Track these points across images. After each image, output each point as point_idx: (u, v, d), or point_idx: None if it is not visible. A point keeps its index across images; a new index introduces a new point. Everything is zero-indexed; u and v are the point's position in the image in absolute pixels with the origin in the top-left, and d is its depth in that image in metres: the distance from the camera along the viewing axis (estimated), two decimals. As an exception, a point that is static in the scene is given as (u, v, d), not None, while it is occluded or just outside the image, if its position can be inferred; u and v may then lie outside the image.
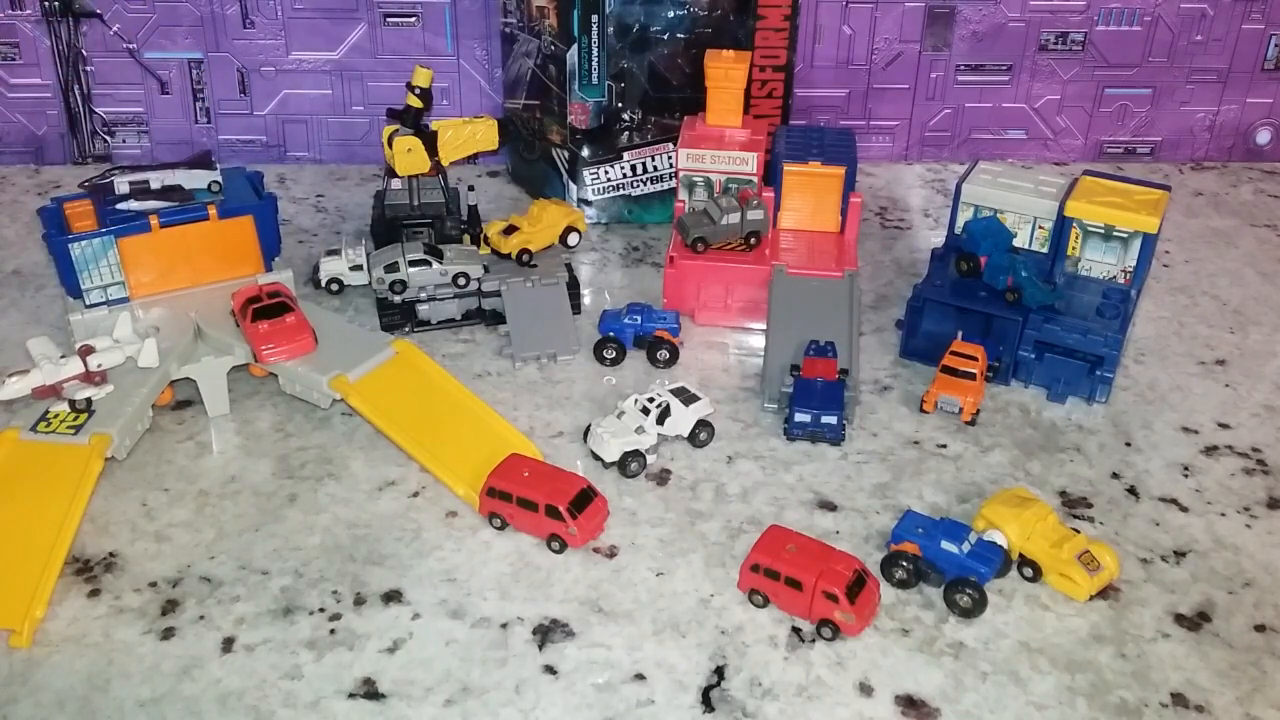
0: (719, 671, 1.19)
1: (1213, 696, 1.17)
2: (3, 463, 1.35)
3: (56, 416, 1.40)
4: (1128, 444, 1.55)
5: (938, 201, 2.23)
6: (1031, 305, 1.62)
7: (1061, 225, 1.65)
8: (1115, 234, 1.62)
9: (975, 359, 1.60)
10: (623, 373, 1.68)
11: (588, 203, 2.09)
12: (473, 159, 1.98)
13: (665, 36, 1.96)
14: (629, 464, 1.45)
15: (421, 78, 1.81)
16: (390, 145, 1.80)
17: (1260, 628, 1.26)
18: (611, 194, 2.09)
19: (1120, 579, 1.31)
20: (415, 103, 1.81)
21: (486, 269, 1.77)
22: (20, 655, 1.19)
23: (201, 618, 1.24)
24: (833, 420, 1.50)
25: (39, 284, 1.88)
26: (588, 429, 1.50)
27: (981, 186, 1.70)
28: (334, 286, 1.84)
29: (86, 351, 1.43)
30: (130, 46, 2.22)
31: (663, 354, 1.69)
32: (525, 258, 1.78)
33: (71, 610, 1.25)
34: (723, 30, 1.97)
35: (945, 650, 1.22)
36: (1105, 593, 1.29)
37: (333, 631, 1.23)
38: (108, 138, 2.30)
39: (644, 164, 2.07)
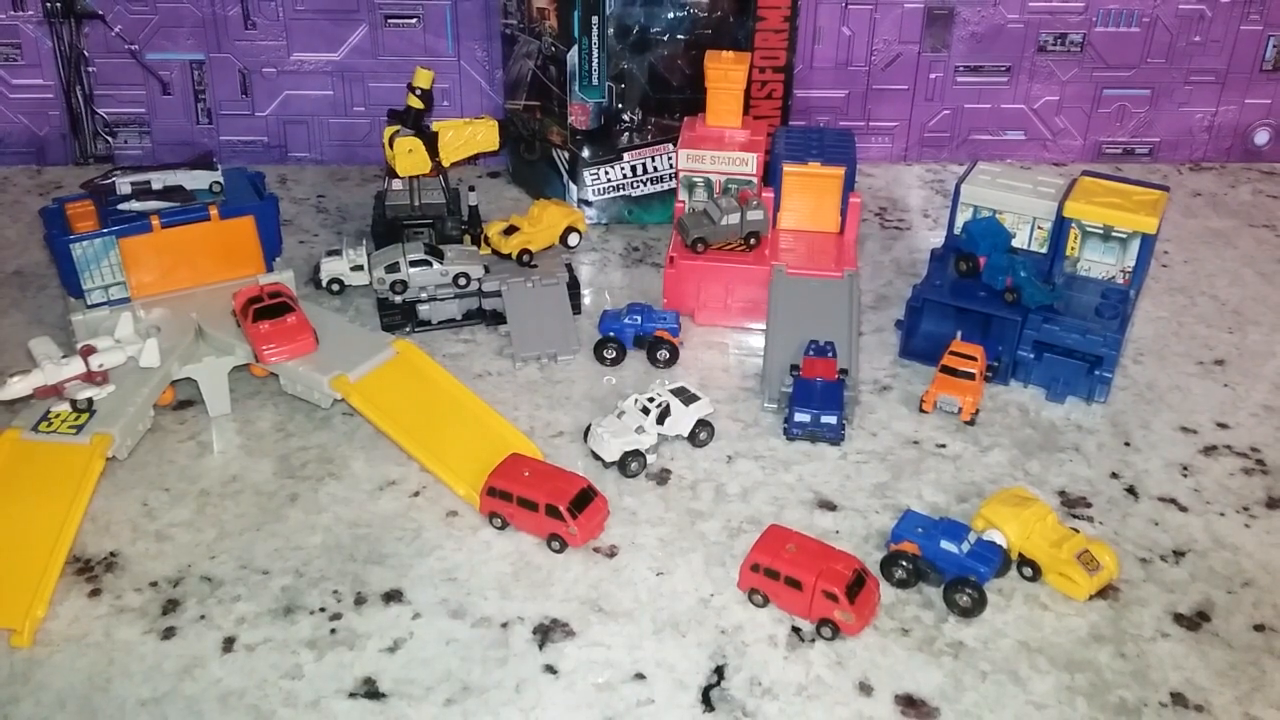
0: (719, 671, 1.19)
1: (1212, 696, 1.17)
2: (4, 463, 1.35)
3: (58, 416, 1.40)
4: (1127, 444, 1.55)
5: (937, 202, 2.23)
6: (1030, 305, 1.62)
7: (1060, 225, 1.65)
8: (1114, 234, 1.63)
9: (974, 359, 1.60)
10: (623, 373, 1.69)
11: (588, 203, 2.10)
12: (473, 160, 1.98)
13: (665, 37, 1.97)
14: (629, 464, 1.46)
15: (422, 79, 1.81)
16: (391, 146, 1.81)
17: (1259, 627, 1.26)
18: (611, 194, 2.10)
19: (1119, 579, 1.31)
20: (416, 104, 1.81)
21: (487, 269, 1.77)
22: (21, 655, 1.19)
23: (202, 617, 1.24)
24: (832, 420, 1.51)
25: (40, 284, 1.88)
26: (588, 429, 1.50)
27: (981, 187, 1.71)
28: (335, 287, 1.84)
29: (88, 351, 1.44)
30: (132, 48, 2.22)
31: (663, 354, 1.69)
32: (525, 258, 1.78)
33: (72, 610, 1.25)
34: (723, 31, 1.97)
35: (945, 650, 1.22)
36: (1105, 592, 1.29)
37: (333, 631, 1.23)
38: (109, 138, 2.30)
39: (644, 164, 2.07)
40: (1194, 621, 1.26)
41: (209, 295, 1.62)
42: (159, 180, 1.66)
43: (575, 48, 1.96)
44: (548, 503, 1.33)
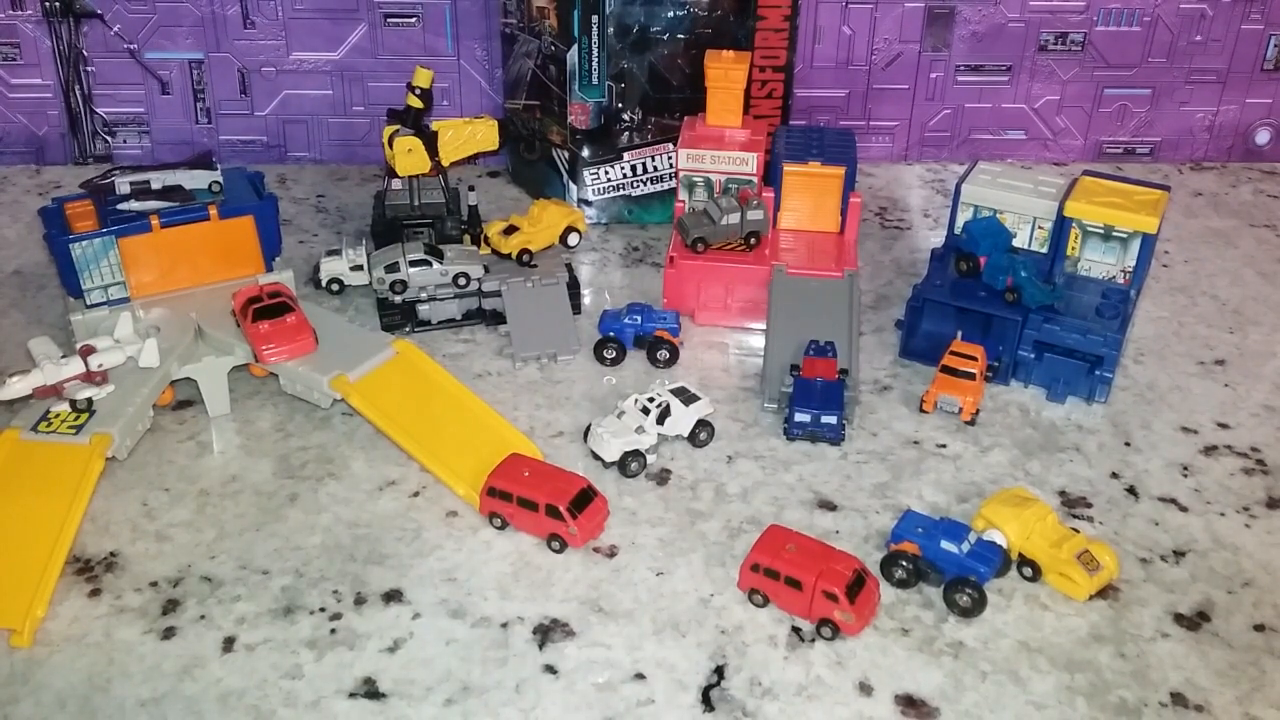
0: (719, 671, 1.19)
1: (1212, 696, 1.17)
2: (4, 463, 1.35)
3: (57, 416, 1.40)
4: (1127, 444, 1.55)
5: (937, 201, 2.23)
6: (1031, 305, 1.62)
7: (1061, 225, 1.65)
8: (1115, 234, 1.63)
9: (975, 359, 1.60)
10: (623, 373, 1.68)
11: (588, 203, 2.10)
12: (473, 159, 1.98)
13: (665, 37, 1.97)
14: (629, 464, 1.46)
15: (422, 78, 1.81)
16: (391, 146, 1.81)
17: (1259, 627, 1.26)
18: (611, 194, 2.09)
19: (1120, 579, 1.31)
20: (416, 103, 1.81)
21: (487, 269, 1.77)
22: (21, 655, 1.19)
23: (202, 617, 1.24)
24: (832, 420, 1.50)
25: (40, 284, 1.88)
26: (588, 429, 1.50)
27: (981, 187, 1.71)
28: (334, 286, 1.84)
29: (87, 351, 1.44)
30: (131, 47, 2.22)
31: (663, 354, 1.69)
32: (525, 258, 1.78)
33: (72, 610, 1.25)
34: (723, 30, 1.97)
35: (945, 650, 1.22)
36: (1105, 592, 1.29)
37: (333, 631, 1.23)
38: (108, 138, 2.30)
39: (644, 164, 2.07)
40: (1194, 621, 1.26)
41: (208, 295, 1.62)
42: (158, 180, 1.65)
43: (575, 47, 1.96)
44: (548, 503, 1.33)
